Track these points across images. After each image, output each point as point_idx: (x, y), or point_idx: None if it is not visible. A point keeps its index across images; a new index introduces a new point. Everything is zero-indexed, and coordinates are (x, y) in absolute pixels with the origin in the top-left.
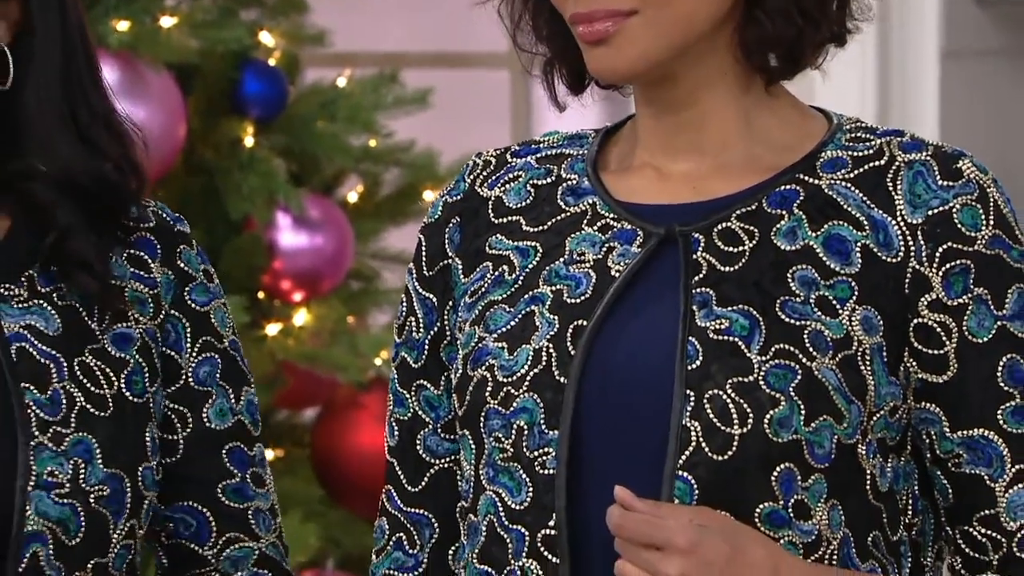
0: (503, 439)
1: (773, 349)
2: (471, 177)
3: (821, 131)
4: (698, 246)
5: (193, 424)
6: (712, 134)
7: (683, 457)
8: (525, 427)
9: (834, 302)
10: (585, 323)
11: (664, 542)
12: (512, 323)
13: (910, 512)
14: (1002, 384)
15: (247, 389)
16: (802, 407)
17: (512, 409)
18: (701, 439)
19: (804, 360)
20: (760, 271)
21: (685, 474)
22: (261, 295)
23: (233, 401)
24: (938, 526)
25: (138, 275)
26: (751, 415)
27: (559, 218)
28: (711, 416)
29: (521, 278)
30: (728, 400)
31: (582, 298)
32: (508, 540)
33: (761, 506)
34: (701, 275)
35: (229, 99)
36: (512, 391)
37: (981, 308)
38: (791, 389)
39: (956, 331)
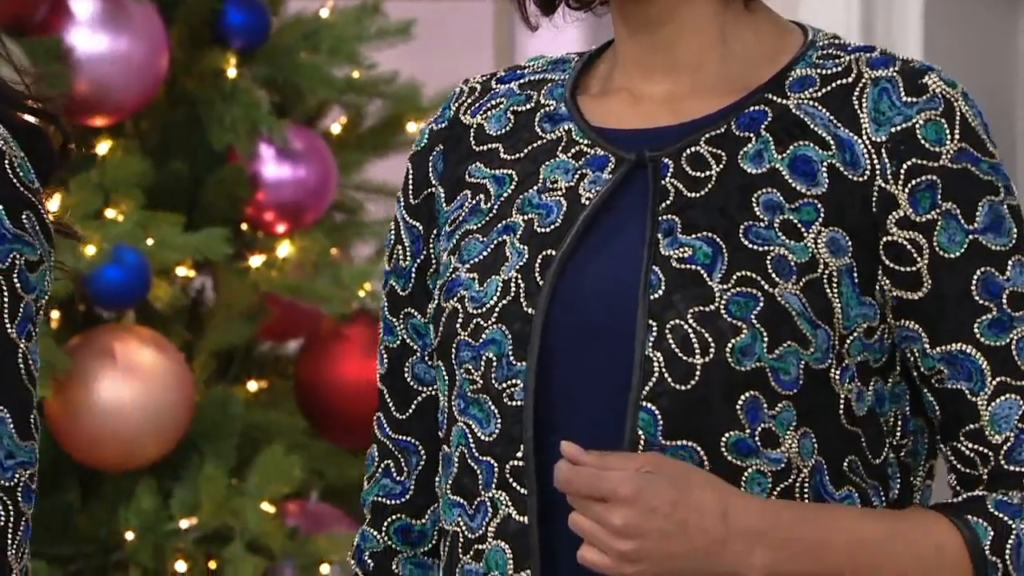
0: (473, 371)
1: (735, 277)
2: (456, 104)
3: (796, 48)
4: (667, 171)
5: None
6: (688, 52)
7: (647, 388)
8: (494, 358)
9: (799, 225)
10: (554, 253)
11: (609, 493)
12: (484, 253)
13: (898, 433)
14: (977, 298)
15: None
16: (764, 334)
17: (481, 341)
18: (664, 369)
19: (766, 287)
20: (726, 196)
21: (649, 405)
22: (244, 227)
23: None
24: (931, 445)
25: None
26: (712, 344)
27: (535, 145)
28: (673, 346)
29: (495, 207)
30: (689, 330)
31: (552, 227)
32: (478, 471)
33: (727, 435)
34: (668, 201)
35: (212, 29)
36: (481, 322)
37: (951, 223)
38: (753, 317)
39: (927, 247)
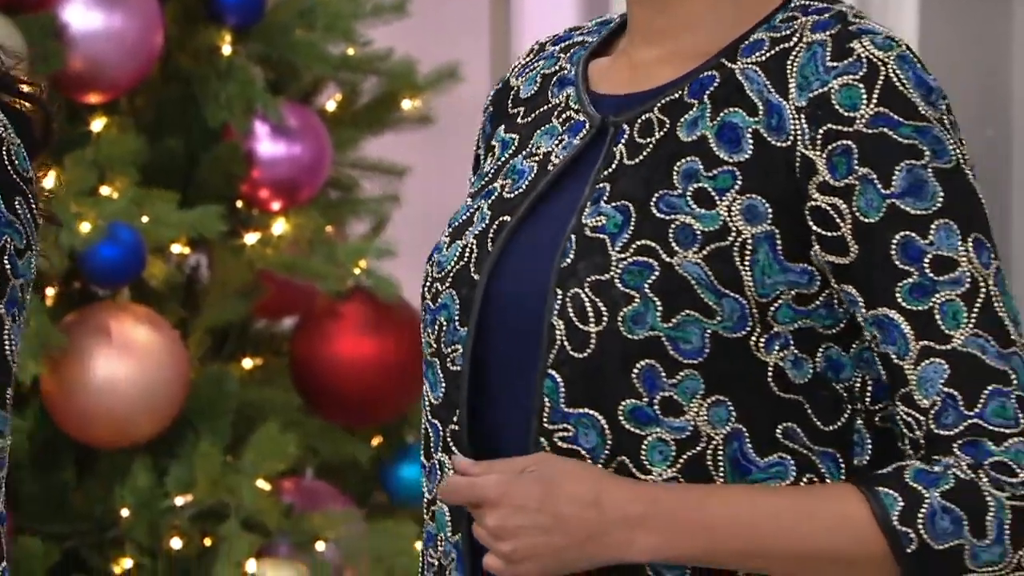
0: (429, 334)
1: (635, 246)
2: (514, 66)
3: (768, 11)
4: (621, 138)
5: None
6: (681, 16)
7: (551, 356)
8: (444, 323)
9: (712, 193)
10: (508, 219)
11: (481, 499)
12: (463, 217)
13: (868, 399)
14: (897, 262)
15: None
16: (658, 304)
17: (437, 305)
18: (564, 338)
19: (664, 256)
20: (655, 164)
21: (553, 373)
22: (239, 204)
23: None
24: None
25: None
26: (606, 313)
27: (542, 110)
28: (572, 315)
29: (492, 171)
30: (586, 298)
31: (516, 193)
32: (431, 434)
33: (623, 403)
34: (610, 169)
35: (206, 6)
36: (439, 287)
37: (868, 188)
38: (646, 286)
39: (848, 212)
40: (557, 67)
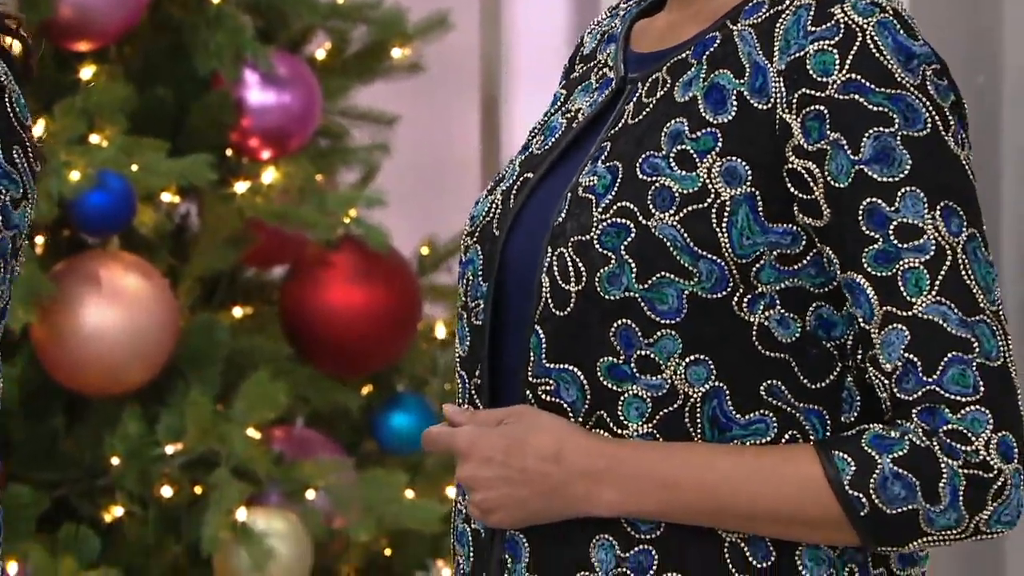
0: (460, 289)
1: (616, 207)
2: (592, 24)
3: None
4: (633, 96)
5: None
6: None
7: (537, 312)
8: (470, 277)
9: (694, 155)
10: (532, 176)
11: (453, 450)
12: (502, 173)
13: (860, 356)
14: (864, 228)
15: None
16: (634, 265)
17: (466, 259)
18: (548, 295)
19: (641, 218)
20: (650, 124)
21: (538, 328)
22: (229, 153)
23: None
24: None
25: None
26: (584, 273)
27: (589, 65)
28: (556, 273)
29: (536, 128)
30: (568, 258)
31: (543, 150)
32: (459, 386)
33: (601, 360)
34: (616, 127)
35: None
36: (468, 242)
37: (839, 153)
38: (622, 248)
39: (820, 177)
40: (614, 25)
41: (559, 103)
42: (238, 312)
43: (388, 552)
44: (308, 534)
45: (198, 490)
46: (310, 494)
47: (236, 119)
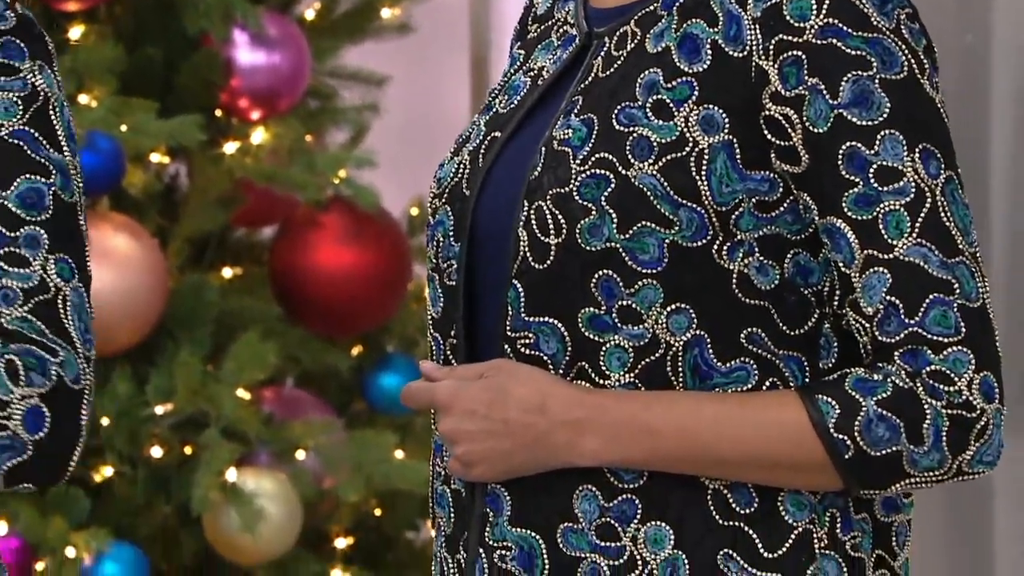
0: (430, 250)
1: (594, 158)
2: None
3: None
4: (600, 51)
5: None
6: None
7: (515, 266)
8: (441, 238)
9: (670, 104)
10: (499, 135)
11: (434, 404)
12: (466, 134)
13: (836, 303)
14: (844, 172)
15: (33, 178)
16: (614, 216)
17: (435, 220)
18: (526, 249)
19: (620, 169)
20: (621, 76)
21: (516, 282)
22: (218, 113)
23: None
24: None
25: None
26: (565, 226)
27: (546, 25)
28: (535, 227)
29: (496, 89)
30: (547, 211)
31: (508, 109)
32: (433, 348)
33: (582, 312)
34: (586, 82)
35: None
36: (437, 203)
37: (817, 98)
38: (603, 199)
39: (799, 122)
40: None
41: (518, 63)
42: (228, 273)
43: (378, 512)
44: (298, 494)
45: (188, 450)
46: (300, 454)
47: (225, 79)
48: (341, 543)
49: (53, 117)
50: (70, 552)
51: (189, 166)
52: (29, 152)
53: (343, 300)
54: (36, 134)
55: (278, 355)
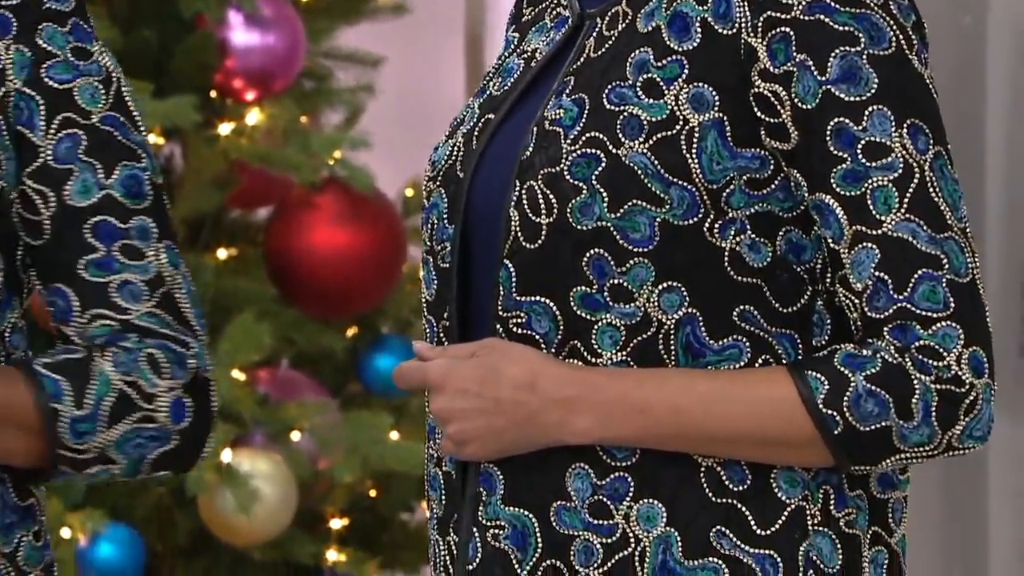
0: (424, 233)
1: (584, 138)
2: None
3: None
4: (592, 31)
5: (56, 202)
6: None
7: (506, 247)
8: (435, 221)
9: (661, 83)
10: (493, 116)
11: (426, 383)
12: (460, 117)
13: (828, 280)
14: (832, 148)
15: (129, 164)
16: (605, 195)
17: (430, 203)
18: (517, 229)
19: (611, 147)
20: (613, 56)
21: (507, 262)
22: (213, 94)
23: (102, 175)
24: None
25: None
26: (556, 205)
27: (540, 7)
28: (526, 206)
29: (491, 72)
30: (539, 191)
31: (502, 90)
32: (427, 330)
33: (574, 291)
34: (578, 63)
35: None
36: (431, 186)
37: (805, 75)
38: (593, 177)
39: (787, 99)
40: None
41: (513, 46)
42: (223, 254)
43: (373, 493)
44: (293, 475)
45: None
46: (295, 435)
47: (220, 60)
48: (336, 524)
49: (127, 98)
50: (65, 533)
51: (184, 147)
52: (120, 138)
53: (338, 281)
54: (121, 118)
55: (273, 336)
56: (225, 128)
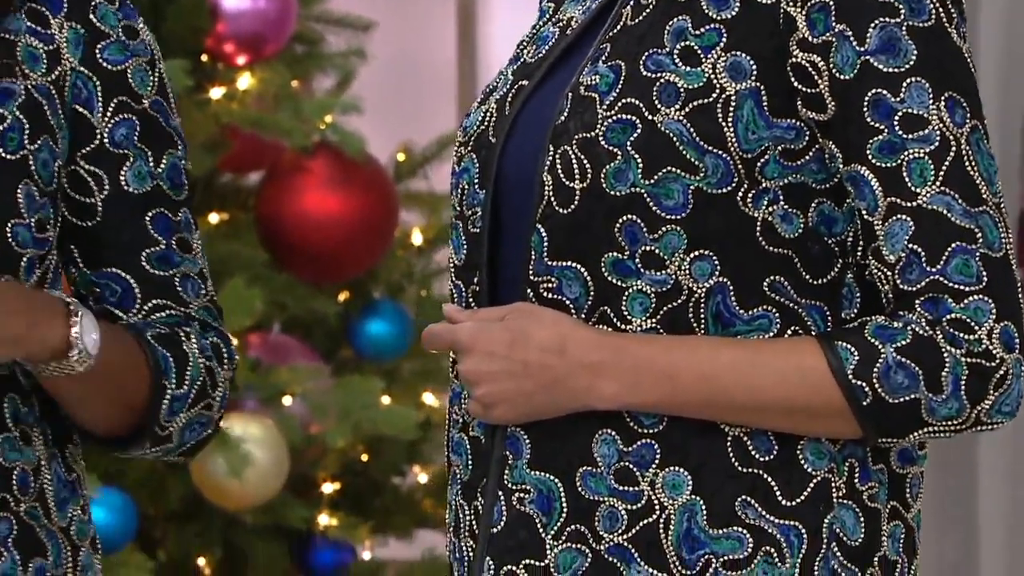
0: (454, 198)
1: (621, 103)
2: None
3: None
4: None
5: (110, 186)
6: None
7: (539, 211)
8: (466, 186)
9: (698, 51)
10: (527, 83)
11: (455, 345)
12: (494, 83)
13: (859, 253)
14: (869, 119)
15: (172, 152)
16: (640, 161)
17: (460, 168)
18: (551, 193)
19: (647, 114)
20: (651, 24)
21: (539, 227)
22: (204, 58)
23: (152, 164)
24: None
25: (33, 29)
26: (590, 170)
27: None
28: (560, 171)
29: (525, 40)
30: (573, 156)
31: (537, 58)
32: (455, 294)
33: (606, 256)
34: (615, 30)
35: None
36: (463, 151)
37: (844, 45)
38: (629, 143)
39: (825, 69)
40: None
41: (548, 15)
42: (214, 218)
43: (364, 458)
44: (284, 440)
45: None
46: (286, 400)
47: (211, 24)
48: (328, 488)
49: (166, 79)
50: None
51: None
52: (163, 123)
53: (330, 246)
54: (164, 103)
55: (264, 301)
56: (216, 92)
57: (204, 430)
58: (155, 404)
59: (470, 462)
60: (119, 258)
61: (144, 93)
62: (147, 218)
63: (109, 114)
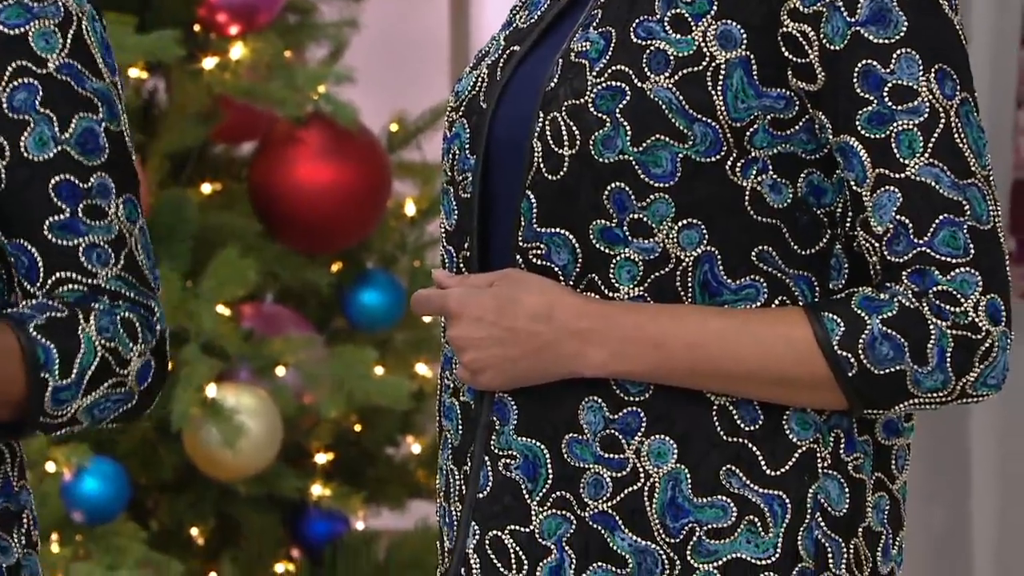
0: (445, 164)
1: (610, 71)
2: None
3: None
4: None
5: (10, 154)
6: None
7: (528, 177)
8: (456, 151)
9: (688, 18)
10: (518, 48)
11: (443, 311)
12: (486, 49)
13: (848, 224)
14: (859, 90)
15: (86, 116)
16: (628, 128)
17: (452, 134)
18: (540, 160)
19: (636, 81)
20: None
21: (529, 193)
22: (197, 28)
23: (57, 129)
24: None
25: None
26: (579, 137)
27: None
28: (549, 138)
29: (518, 5)
30: (562, 122)
31: (529, 23)
32: (445, 259)
33: (594, 224)
34: None
35: None
36: (454, 116)
37: (835, 15)
38: (617, 110)
39: (815, 39)
40: None
41: None
42: (207, 188)
43: (358, 428)
44: (278, 410)
45: (168, 366)
46: (280, 370)
47: None
48: (321, 459)
49: (88, 39)
50: (50, 467)
51: (167, 82)
52: (76, 87)
53: (322, 216)
54: (79, 65)
55: (257, 271)
56: (209, 62)
57: (123, 404)
58: (36, 397)
59: (460, 427)
60: (24, 228)
61: (48, 57)
62: (50, 185)
63: (6, 79)
